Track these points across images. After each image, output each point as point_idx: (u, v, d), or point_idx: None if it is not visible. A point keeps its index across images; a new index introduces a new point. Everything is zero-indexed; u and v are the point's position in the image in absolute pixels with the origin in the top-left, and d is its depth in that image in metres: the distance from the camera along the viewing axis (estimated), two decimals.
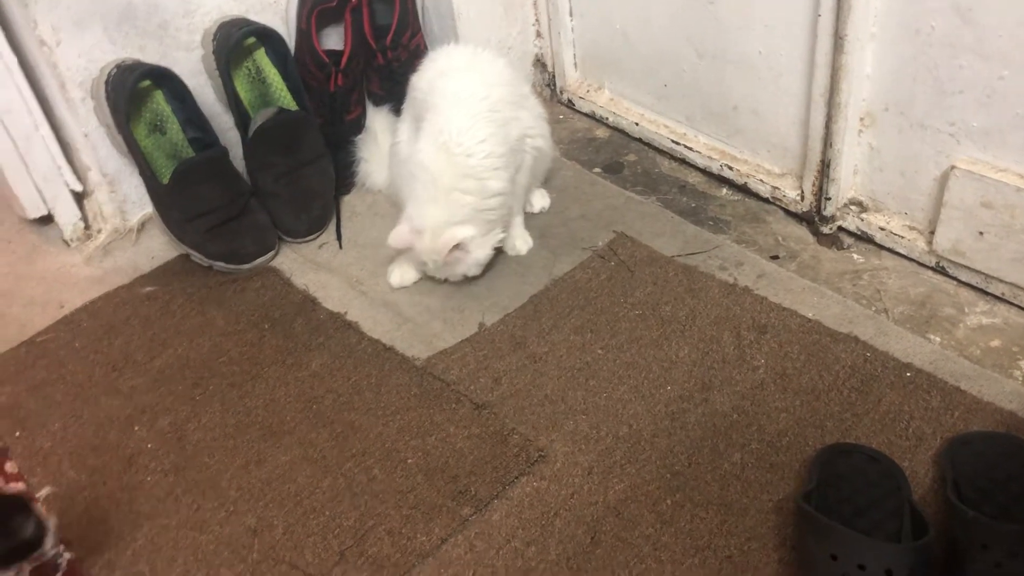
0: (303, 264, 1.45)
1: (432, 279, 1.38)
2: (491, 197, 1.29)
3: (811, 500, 0.99)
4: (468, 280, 1.37)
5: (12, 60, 1.35)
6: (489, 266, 1.38)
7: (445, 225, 1.27)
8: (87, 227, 1.52)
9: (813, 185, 1.37)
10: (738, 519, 1.03)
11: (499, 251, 1.38)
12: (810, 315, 1.25)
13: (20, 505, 0.93)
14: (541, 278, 1.38)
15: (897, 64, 1.22)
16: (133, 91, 1.38)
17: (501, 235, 1.35)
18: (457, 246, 1.27)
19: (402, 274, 1.39)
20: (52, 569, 1.05)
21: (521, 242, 1.43)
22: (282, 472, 1.13)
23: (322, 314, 1.35)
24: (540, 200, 1.50)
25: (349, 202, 1.56)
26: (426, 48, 1.61)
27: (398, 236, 1.31)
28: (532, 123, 1.38)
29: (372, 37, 1.56)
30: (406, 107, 1.44)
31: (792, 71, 1.33)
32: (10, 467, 1.17)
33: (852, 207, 1.37)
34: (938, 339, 1.21)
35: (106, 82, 1.38)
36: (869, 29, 1.21)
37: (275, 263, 1.45)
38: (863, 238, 1.37)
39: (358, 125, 1.60)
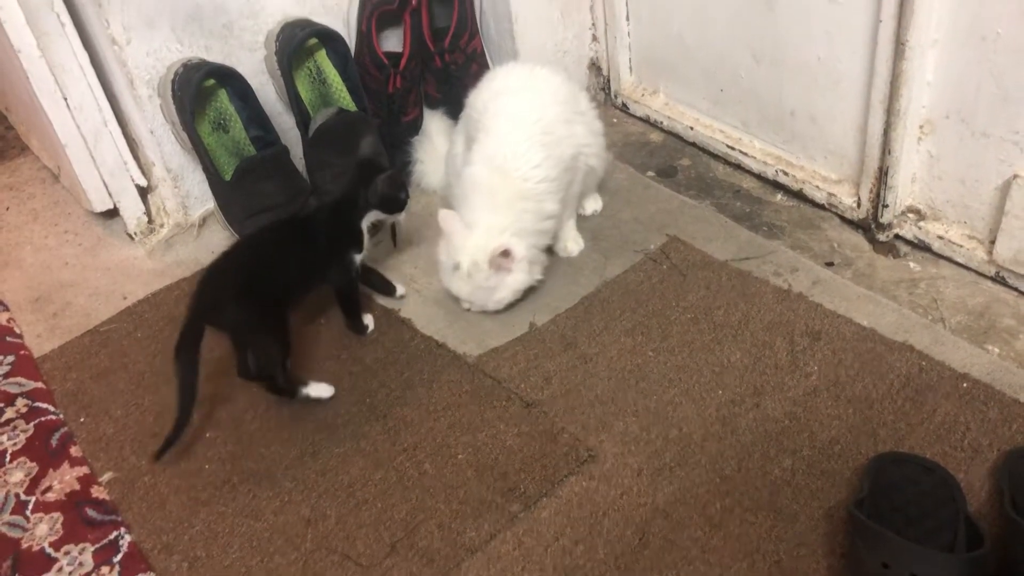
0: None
1: None
2: (546, 219, 1.31)
3: (863, 508, 0.98)
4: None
5: (84, 58, 1.40)
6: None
7: (501, 231, 1.27)
8: (150, 221, 1.56)
9: (870, 192, 1.36)
10: (788, 525, 1.03)
11: (550, 251, 1.39)
12: (865, 323, 1.24)
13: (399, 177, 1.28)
14: (592, 280, 1.38)
15: (960, 71, 1.20)
16: (198, 89, 1.41)
17: (539, 276, 1.34)
18: (505, 254, 1.26)
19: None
20: (113, 550, 1.08)
21: (573, 243, 1.44)
22: (336, 464, 1.15)
23: (376, 310, 1.37)
24: (592, 203, 1.51)
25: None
26: (483, 51, 1.63)
27: (449, 217, 1.29)
28: (587, 139, 1.38)
29: (431, 40, 1.58)
30: (461, 123, 1.46)
31: (851, 77, 1.32)
32: (74, 451, 1.21)
33: (910, 215, 1.36)
34: (996, 350, 1.19)
35: (173, 80, 1.42)
36: (931, 35, 1.20)
37: None
38: (920, 246, 1.35)
39: (415, 126, 1.62)
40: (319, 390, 1.23)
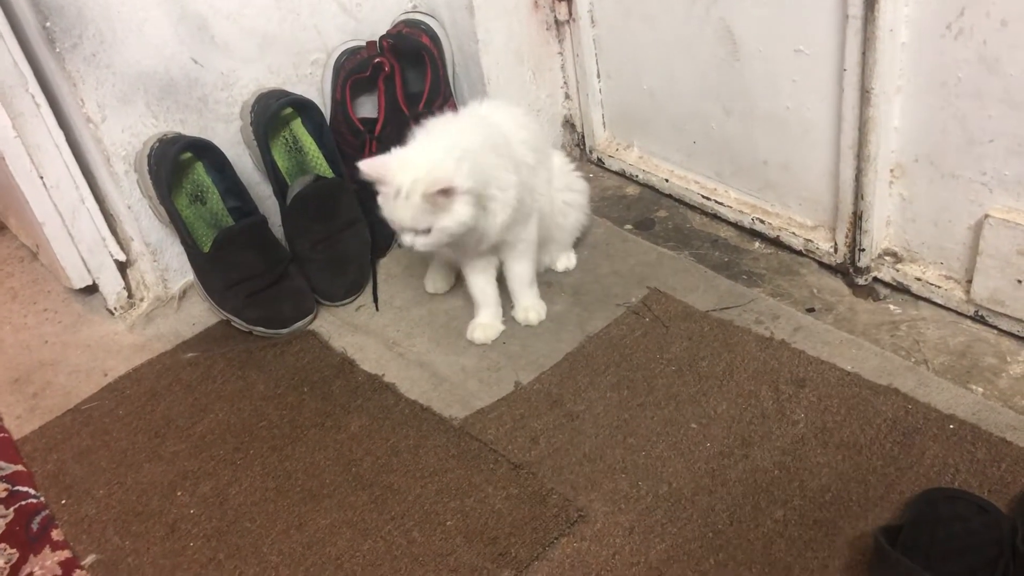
0: (341, 327, 1.47)
1: (462, 339, 1.40)
2: (507, 174, 1.25)
3: (893, 537, 0.97)
4: (501, 341, 1.39)
5: (60, 137, 1.40)
6: (523, 326, 1.40)
7: (450, 162, 1.17)
8: (130, 296, 1.56)
9: (846, 237, 1.37)
10: None
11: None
12: (849, 368, 1.24)
13: None
14: (575, 335, 1.38)
15: (925, 116, 1.22)
16: (175, 163, 1.42)
17: (494, 215, 1.24)
18: (446, 191, 1.17)
19: (435, 282, 1.46)
20: None
21: (534, 313, 1.40)
22: (322, 536, 1.14)
23: (360, 376, 1.37)
24: (565, 261, 1.50)
25: (385, 264, 1.59)
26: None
27: (373, 162, 1.20)
28: (543, 188, 1.37)
29: (405, 104, 1.59)
30: None
31: (820, 125, 1.34)
32: (56, 534, 1.19)
33: (886, 258, 1.37)
34: (980, 389, 1.19)
35: (149, 155, 1.43)
36: (895, 82, 1.22)
37: (313, 326, 1.47)
38: (899, 288, 1.36)
39: None
40: None
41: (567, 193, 1.46)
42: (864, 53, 1.20)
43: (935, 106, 1.20)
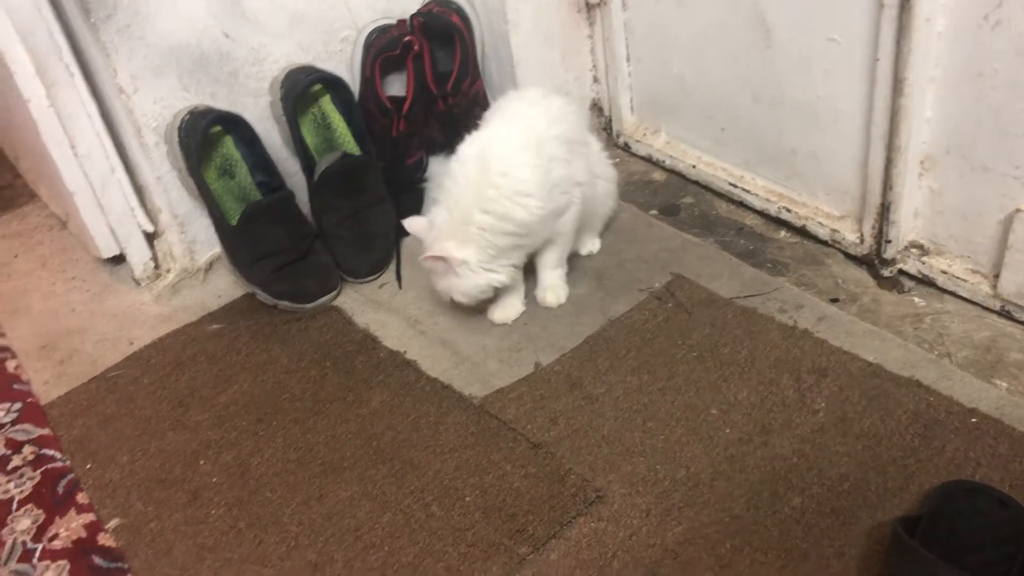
0: (364, 304, 1.48)
1: (483, 319, 1.40)
2: (510, 225, 1.26)
3: (911, 528, 0.97)
4: (522, 322, 1.39)
5: (93, 107, 1.42)
6: (544, 308, 1.41)
7: (450, 235, 1.27)
8: (157, 267, 1.57)
9: (873, 228, 1.36)
10: (798, 564, 1.02)
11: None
12: (871, 359, 1.24)
13: None
14: (597, 319, 1.38)
15: (958, 107, 1.21)
16: (204, 136, 1.43)
17: (505, 279, 1.31)
18: (441, 259, 1.26)
19: (504, 310, 1.40)
20: None
21: (552, 294, 1.40)
22: (342, 507, 1.15)
23: (382, 352, 1.38)
24: (589, 245, 1.50)
25: (409, 244, 1.59)
26: (485, 95, 1.65)
27: (411, 222, 1.35)
28: (584, 176, 1.35)
29: (433, 84, 1.60)
30: None
31: (851, 114, 1.33)
32: (81, 498, 1.21)
33: (913, 250, 1.36)
34: (1004, 384, 1.19)
35: (179, 128, 1.44)
36: (929, 72, 1.21)
37: (337, 302, 1.49)
38: (924, 281, 1.35)
39: (418, 168, 1.64)
40: None
41: (600, 182, 1.45)
42: (899, 42, 1.19)
43: (969, 97, 1.19)
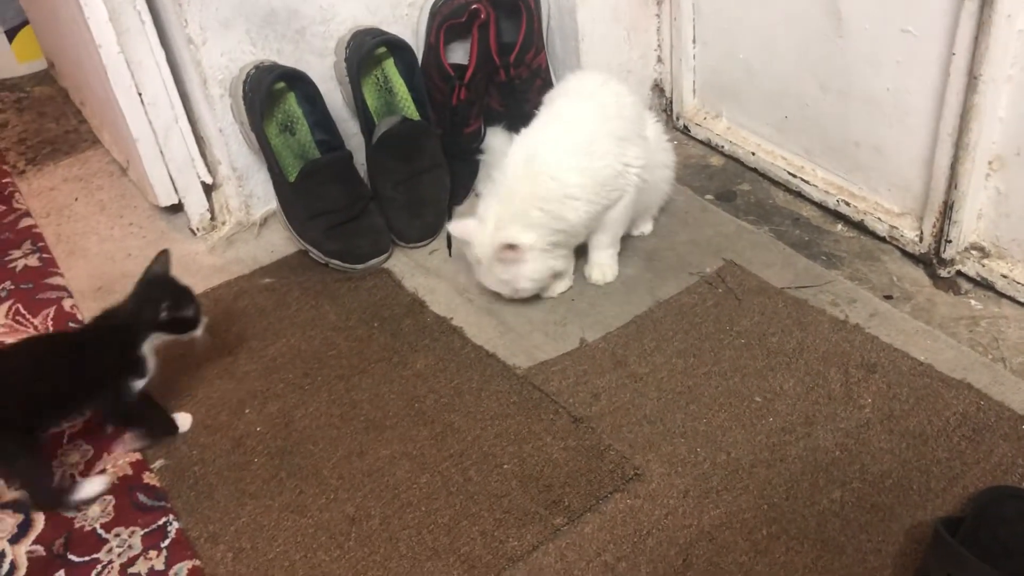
0: (414, 268, 1.49)
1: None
2: (561, 230, 1.29)
3: (955, 534, 0.96)
4: (569, 297, 1.39)
5: (161, 55, 1.44)
6: (592, 285, 1.40)
7: (510, 222, 1.27)
8: (213, 218, 1.60)
9: (933, 227, 1.34)
10: (834, 556, 1.01)
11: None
12: (922, 358, 1.22)
13: (189, 294, 1.19)
14: (645, 299, 1.38)
15: None
16: (268, 91, 1.44)
17: (561, 265, 1.34)
18: (512, 247, 1.27)
19: (551, 284, 1.40)
20: (161, 536, 1.10)
21: (599, 272, 1.41)
22: (382, 465, 1.16)
23: (429, 317, 1.39)
24: (643, 226, 1.50)
25: (461, 212, 1.60)
26: (548, 68, 1.64)
27: (456, 225, 1.34)
28: (640, 162, 1.34)
29: (497, 54, 1.59)
30: None
31: (920, 109, 1.31)
32: (128, 437, 1.23)
33: (973, 252, 1.34)
34: None
35: (244, 81, 1.45)
36: (1006, 71, 1.18)
37: (387, 265, 1.50)
38: (983, 284, 1.33)
39: (475, 137, 1.64)
40: (179, 421, 1.22)
41: (657, 168, 1.43)
42: (976, 38, 1.16)
43: None
